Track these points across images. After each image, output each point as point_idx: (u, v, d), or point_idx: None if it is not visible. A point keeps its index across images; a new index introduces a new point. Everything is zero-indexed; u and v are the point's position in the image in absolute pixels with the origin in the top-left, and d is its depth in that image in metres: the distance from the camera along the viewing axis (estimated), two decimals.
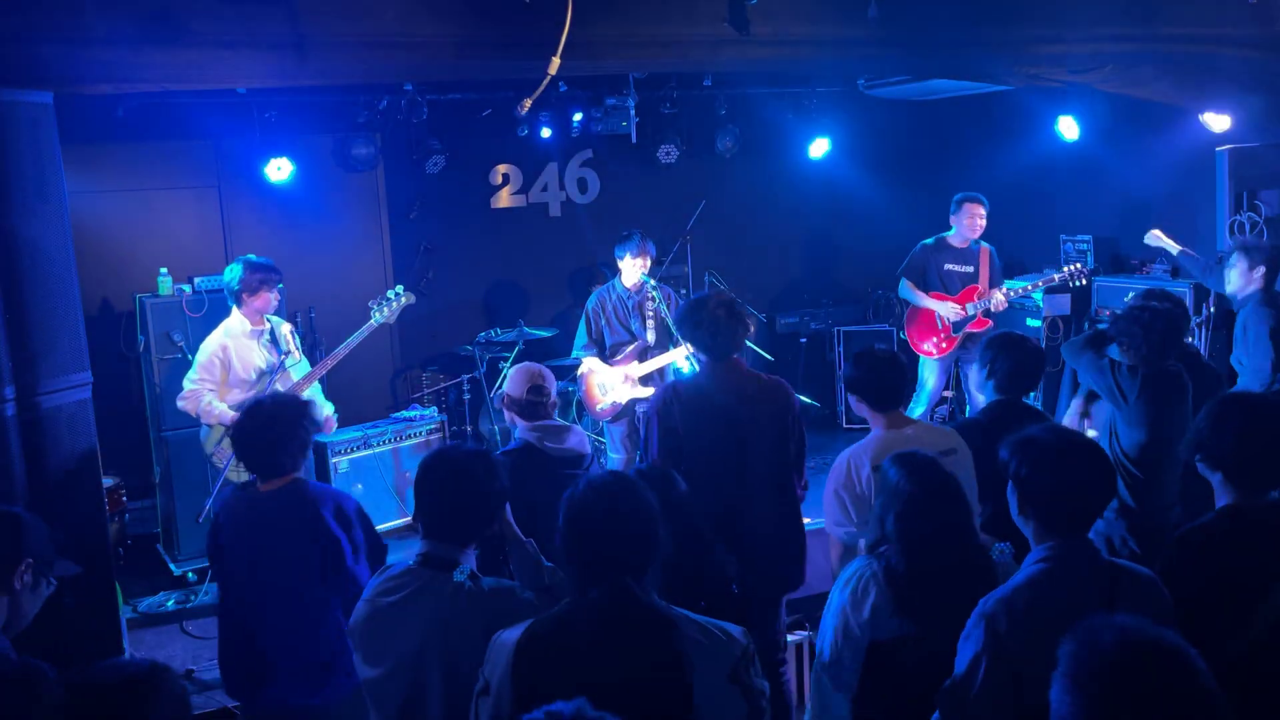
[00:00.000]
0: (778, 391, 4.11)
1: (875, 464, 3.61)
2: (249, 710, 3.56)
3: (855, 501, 3.65)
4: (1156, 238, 6.26)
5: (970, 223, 6.83)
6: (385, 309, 5.61)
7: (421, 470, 2.83)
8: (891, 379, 3.81)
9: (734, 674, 2.31)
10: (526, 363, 4.05)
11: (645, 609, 2.33)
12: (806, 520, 4.48)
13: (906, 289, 7.06)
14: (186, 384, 5.35)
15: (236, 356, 5.39)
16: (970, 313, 6.82)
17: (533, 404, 3.87)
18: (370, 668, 2.72)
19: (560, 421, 3.97)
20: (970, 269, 6.90)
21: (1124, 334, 4.18)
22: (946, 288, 6.92)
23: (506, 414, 3.98)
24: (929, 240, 7.03)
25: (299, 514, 3.36)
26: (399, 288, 5.71)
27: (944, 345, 6.95)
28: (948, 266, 6.92)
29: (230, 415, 5.15)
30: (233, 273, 5.42)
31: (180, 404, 5.38)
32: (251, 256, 5.50)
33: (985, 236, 6.91)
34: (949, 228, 6.96)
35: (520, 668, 2.30)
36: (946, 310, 6.86)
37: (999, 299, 6.75)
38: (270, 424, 3.38)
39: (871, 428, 3.84)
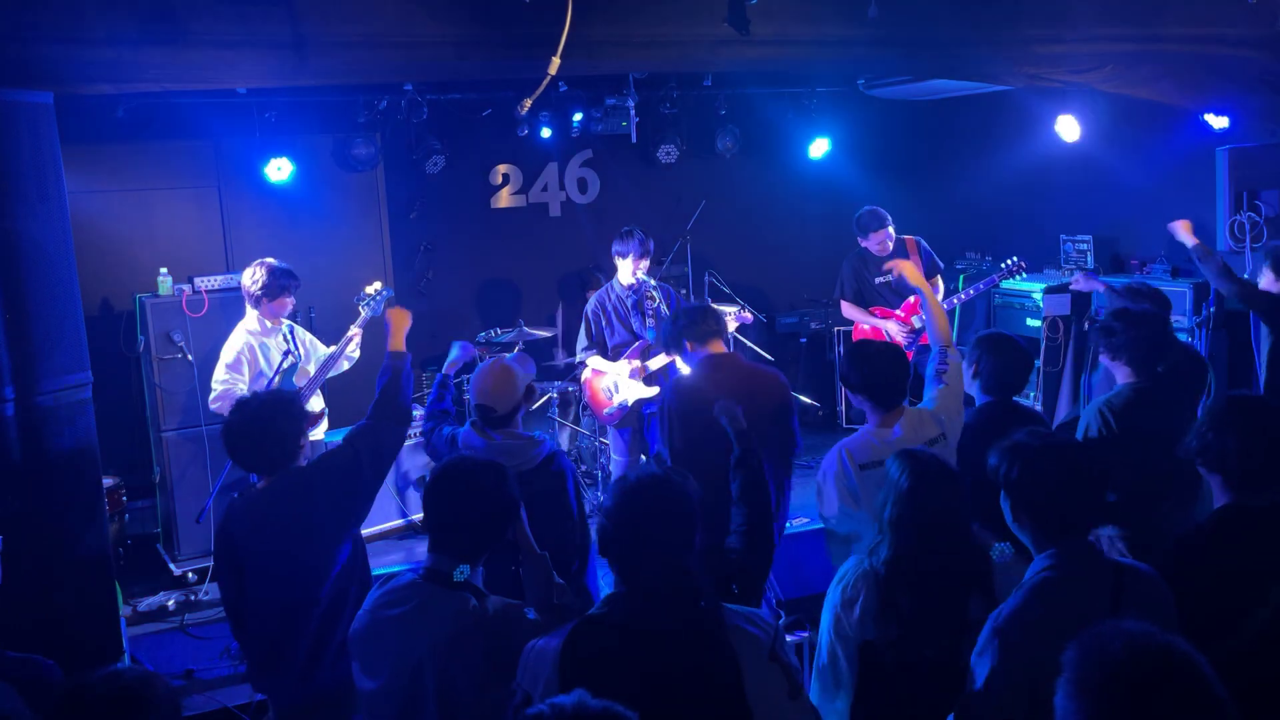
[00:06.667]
0: (771, 384, 4.23)
1: (864, 462, 3.62)
2: (284, 703, 3.50)
3: (844, 493, 3.65)
4: (1178, 230, 5.67)
5: (880, 247, 6.57)
6: (371, 304, 5.68)
7: (431, 483, 2.80)
8: (892, 377, 3.74)
9: (773, 653, 2.35)
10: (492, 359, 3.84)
11: (694, 599, 2.36)
12: (803, 520, 4.51)
13: (850, 311, 6.80)
14: (217, 385, 5.43)
15: (260, 354, 5.53)
16: (918, 326, 6.56)
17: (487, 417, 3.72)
18: (367, 679, 2.70)
19: (521, 436, 3.74)
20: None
21: (1109, 346, 4.15)
22: (886, 302, 6.68)
23: None
24: (851, 255, 6.78)
25: (302, 499, 3.35)
26: (376, 283, 5.74)
27: None
28: (878, 281, 6.62)
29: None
30: (255, 276, 5.50)
31: (214, 405, 5.46)
32: (272, 261, 5.56)
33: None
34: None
35: (568, 671, 2.30)
36: (893, 329, 6.59)
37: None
38: (256, 420, 3.37)
39: (867, 420, 3.81)
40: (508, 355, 3.92)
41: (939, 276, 6.75)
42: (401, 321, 4.11)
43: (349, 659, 3.29)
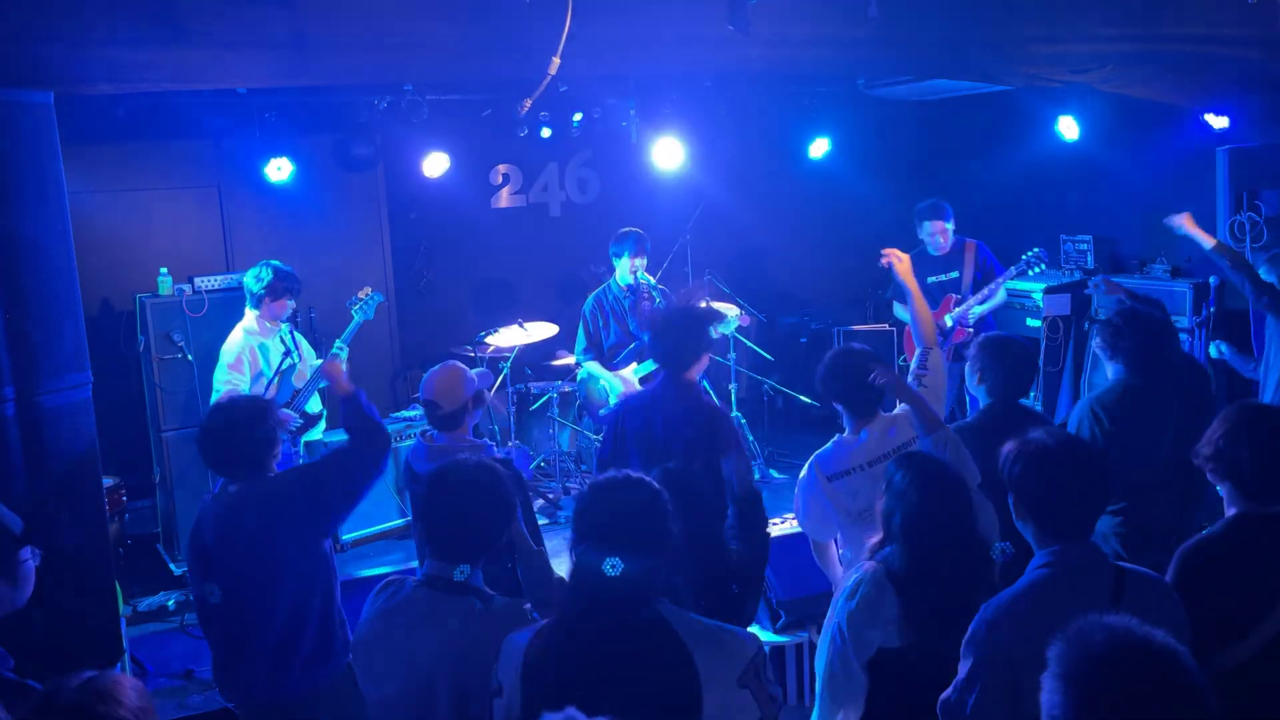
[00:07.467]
0: (715, 420, 4.02)
1: (831, 473, 3.67)
2: (249, 710, 3.55)
3: (814, 506, 3.72)
4: (1184, 225, 5.67)
5: (933, 240, 6.59)
6: (363, 308, 5.69)
7: (427, 490, 2.79)
8: (863, 386, 3.67)
9: (744, 678, 2.30)
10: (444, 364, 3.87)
11: (653, 611, 2.31)
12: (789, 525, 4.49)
13: (900, 310, 6.83)
14: (221, 386, 5.44)
15: (260, 355, 5.56)
16: (949, 325, 6.54)
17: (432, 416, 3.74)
18: (376, 688, 2.69)
19: (465, 440, 3.74)
20: (954, 275, 6.64)
21: (1111, 345, 4.15)
22: (934, 302, 6.60)
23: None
24: (911, 254, 6.81)
25: (267, 508, 3.38)
26: (367, 288, 5.77)
27: None
28: (930, 279, 6.59)
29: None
30: (260, 276, 5.54)
31: None
32: (277, 263, 5.60)
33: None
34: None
35: (530, 669, 2.29)
36: None
37: (963, 316, 6.47)
38: (228, 424, 3.39)
39: (844, 427, 3.84)
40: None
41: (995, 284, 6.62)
42: (337, 372, 4.00)
43: (317, 670, 3.35)
